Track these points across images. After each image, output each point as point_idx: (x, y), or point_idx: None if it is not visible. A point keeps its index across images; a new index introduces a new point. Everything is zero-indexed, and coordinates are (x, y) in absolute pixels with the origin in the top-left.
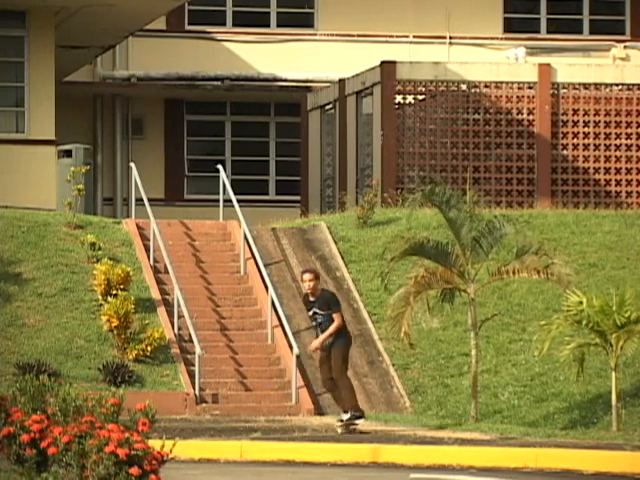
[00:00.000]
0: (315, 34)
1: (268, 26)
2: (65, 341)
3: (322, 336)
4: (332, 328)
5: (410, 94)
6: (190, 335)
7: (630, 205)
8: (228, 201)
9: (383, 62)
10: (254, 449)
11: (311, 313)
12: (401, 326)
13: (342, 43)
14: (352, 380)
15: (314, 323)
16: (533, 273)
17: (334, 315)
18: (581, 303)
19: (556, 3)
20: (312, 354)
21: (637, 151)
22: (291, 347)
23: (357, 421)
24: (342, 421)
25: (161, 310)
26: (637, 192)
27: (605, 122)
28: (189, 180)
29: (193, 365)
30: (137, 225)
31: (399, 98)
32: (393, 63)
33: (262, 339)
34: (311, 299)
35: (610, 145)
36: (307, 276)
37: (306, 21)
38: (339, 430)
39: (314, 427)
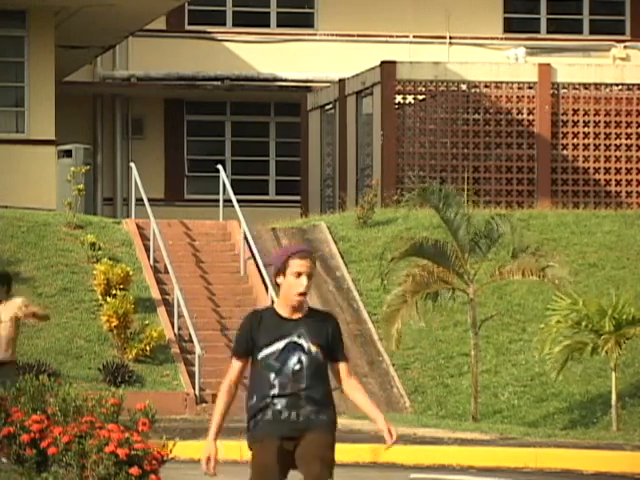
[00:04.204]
0: (315, 34)
1: (268, 26)
2: (65, 341)
3: (380, 418)
4: (372, 405)
5: (410, 94)
6: (190, 335)
7: (630, 205)
8: (228, 201)
9: (383, 62)
10: None
11: (282, 345)
12: (394, 323)
13: (342, 43)
14: None
15: (273, 366)
16: (528, 274)
17: (342, 365)
18: (573, 304)
19: (556, 3)
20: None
21: (637, 151)
22: None
23: None
24: None
25: (161, 310)
26: (637, 192)
27: (605, 122)
28: (189, 180)
29: (193, 365)
30: (137, 225)
31: (399, 98)
32: (393, 63)
33: None
34: (286, 315)
35: (610, 145)
36: (304, 262)
37: (306, 21)
38: None
39: None
